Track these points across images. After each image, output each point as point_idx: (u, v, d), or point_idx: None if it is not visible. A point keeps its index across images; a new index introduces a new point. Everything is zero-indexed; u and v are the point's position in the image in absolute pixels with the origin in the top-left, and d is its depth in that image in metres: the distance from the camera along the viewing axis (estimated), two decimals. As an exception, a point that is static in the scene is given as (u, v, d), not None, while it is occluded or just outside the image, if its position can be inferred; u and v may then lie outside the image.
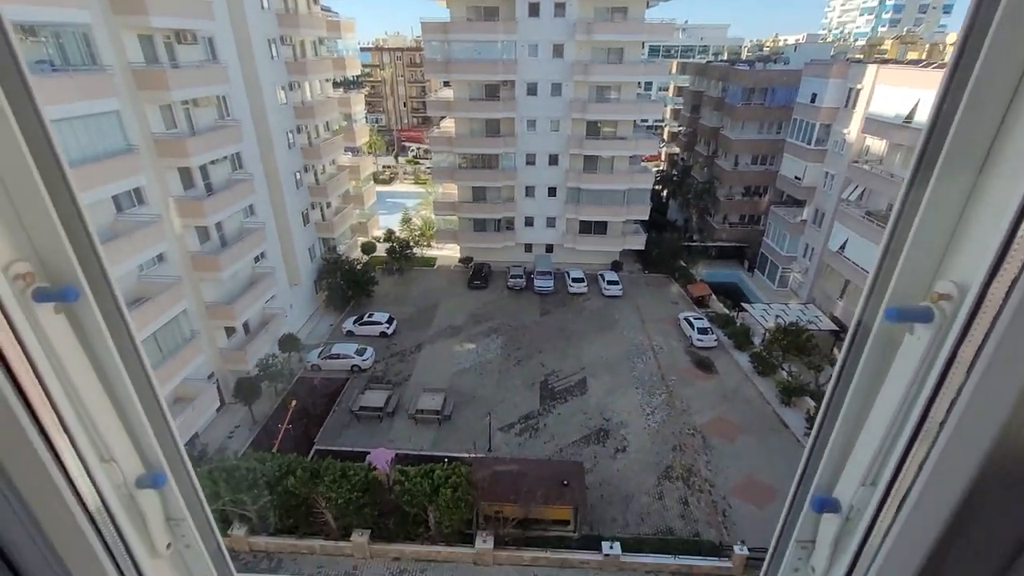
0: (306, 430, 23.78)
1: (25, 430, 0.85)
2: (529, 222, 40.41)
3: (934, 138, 0.83)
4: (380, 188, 52.69)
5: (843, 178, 32.26)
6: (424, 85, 74.84)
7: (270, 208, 29.55)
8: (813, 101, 34.74)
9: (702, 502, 20.42)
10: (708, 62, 55.01)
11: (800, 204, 36.98)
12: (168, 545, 1.21)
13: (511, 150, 37.60)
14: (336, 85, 39.69)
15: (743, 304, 34.42)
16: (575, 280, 37.19)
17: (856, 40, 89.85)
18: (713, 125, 45.62)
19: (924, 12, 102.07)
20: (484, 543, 18.15)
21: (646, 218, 39.71)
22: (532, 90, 36.42)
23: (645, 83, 50.90)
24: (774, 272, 38.73)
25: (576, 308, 35.14)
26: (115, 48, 19.13)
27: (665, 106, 58.18)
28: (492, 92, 36.73)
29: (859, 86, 31.26)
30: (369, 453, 19.70)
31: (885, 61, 33.83)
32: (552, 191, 39.16)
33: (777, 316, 30.48)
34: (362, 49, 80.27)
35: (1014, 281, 0.69)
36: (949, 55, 0.84)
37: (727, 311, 34.05)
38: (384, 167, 69.91)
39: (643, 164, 41.09)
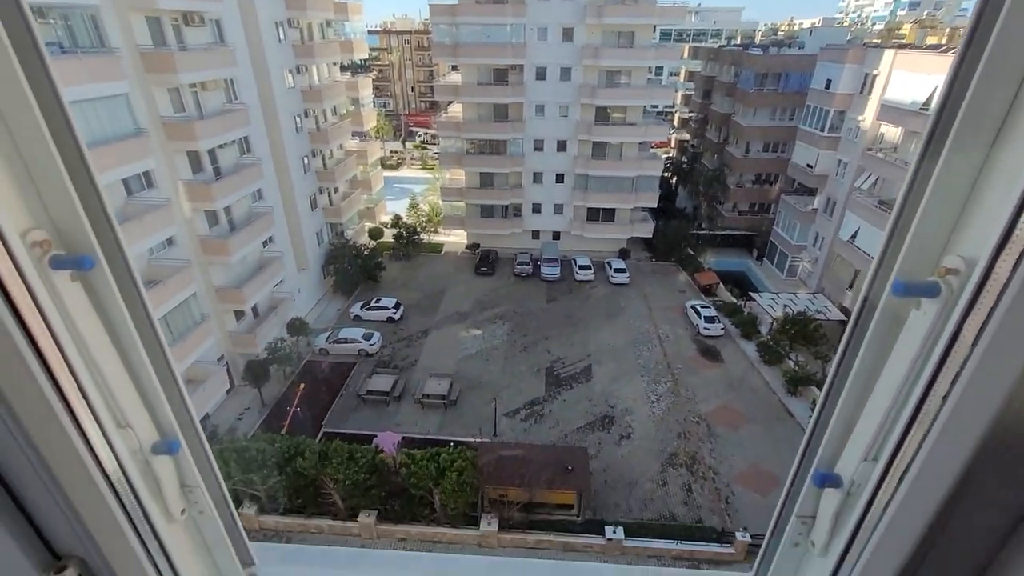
0: (314, 413, 24.11)
1: (45, 393, 0.88)
2: (537, 209, 40.22)
3: (946, 111, 0.82)
4: (387, 173, 52.59)
5: (856, 166, 31.74)
6: (432, 69, 74.16)
7: (278, 193, 29.62)
8: (828, 87, 34.04)
9: (705, 489, 20.55)
10: (721, 46, 53.97)
11: (811, 192, 36.48)
12: (183, 511, 1.24)
13: (519, 136, 37.29)
14: (343, 69, 39.42)
15: (751, 293, 34.22)
16: (582, 267, 37.10)
17: (874, 24, 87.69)
18: (724, 111, 44.91)
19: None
20: (489, 526, 18.44)
21: (655, 205, 39.40)
22: (541, 74, 35.98)
23: (656, 68, 50.14)
24: (783, 261, 38.39)
25: (583, 295, 35.11)
26: (123, 30, 19.10)
27: (676, 92, 57.26)
28: (501, 76, 36.33)
29: (875, 72, 30.58)
30: (376, 436, 19.97)
31: (903, 46, 33.04)
32: (560, 177, 38.88)
33: (785, 306, 30.29)
34: (369, 32, 79.50)
35: (1021, 255, 0.69)
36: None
37: (735, 300, 33.89)
38: (391, 152, 69.67)
39: (652, 151, 40.62)
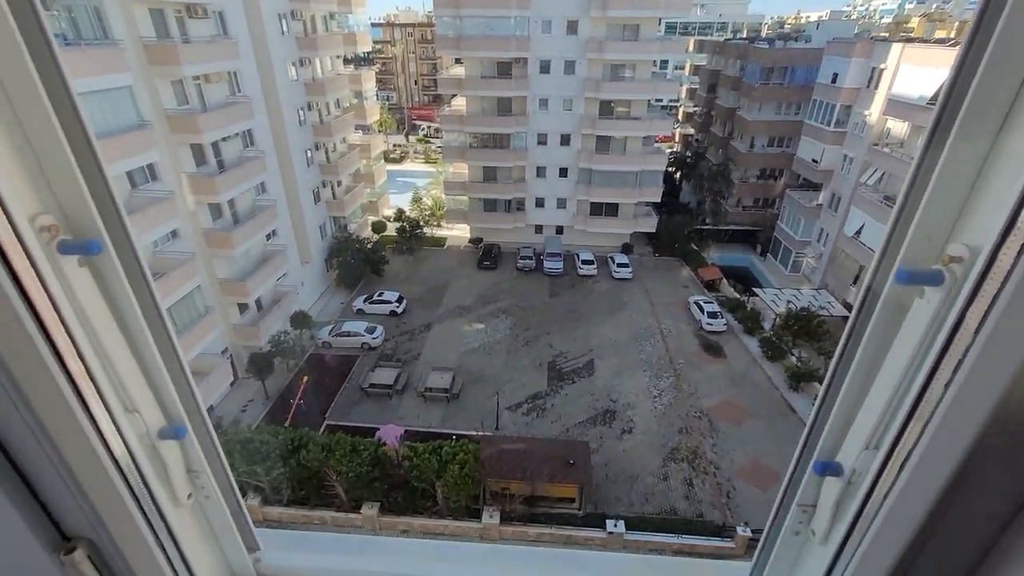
0: (317, 405, 24.24)
1: (55, 377, 0.89)
2: (540, 203, 40.13)
3: (952, 100, 0.81)
4: (391, 167, 52.55)
5: (862, 161, 31.52)
6: (435, 62, 73.80)
7: (281, 186, 29.64)
8: (834, 81, 33.75)
9: (706, 484, 20.61)
10: (726, 40, 53.55)
11: (816, 188, 36.27)
12: (189, 496, 1.26)
13: (523, 129, 37.15)
14: (347, 62, 39.29)
15: (754, 289, 34.13)
16: (585, 262, 37.04)
17: (882, 18, 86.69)
18: (729, 105, 44.60)
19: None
20: (490, 518, 18.55)
21: (658, 200, 39.23)
22: (545, 68, 35.78)
23: (661, 61, 49.68)
24: (787, 257, 38.24)
25: (585, 290, 35.09)
26: (127, 22, 19.06)
27: (681, 85, 56.84)
28: (504, 70, 36.15)
29: (883, 66, 30.28)
30: (379, 429, 20.08)
31: (911, 39, 32.72)
32: (563, 172, 38.75)
33: (788, 301, 30.22)
34: (373, 25, 79.17)
35: None
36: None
37: (738, 296, 33.80)
38: (395, 146, 69.55)
39: (657, 145, 40.39)
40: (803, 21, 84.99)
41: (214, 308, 23.58)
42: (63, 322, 0.90)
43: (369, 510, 18.68)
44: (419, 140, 74.24)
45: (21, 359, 0.86)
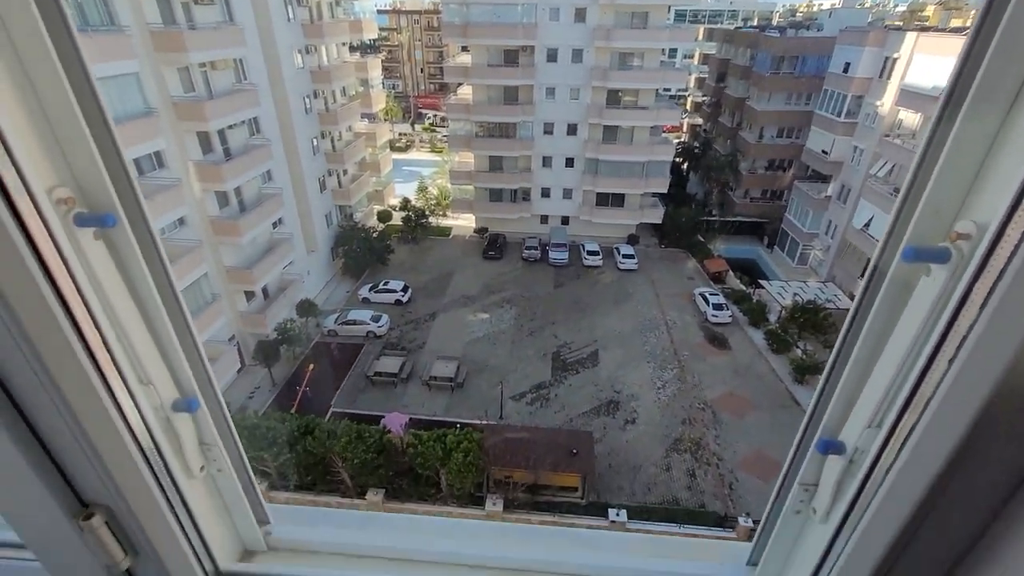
0: (323, 393, 24.47)
1: (74, 347, 0.92)
2: (545, 193, 39.96)
3: (963, 76, 0.81)
4: (396, 156, 52.40)
5: (872, 153, 31.14)
6: (442, 50, 73.23)
7: (287, 174, 29.66)
8: (846, 71, 33.24)
9: (709, 475, 20.69)
10: (737, 28, 52.77)
11: (825, 179, 35.89)
12: (202, 468, 1.29)
13: (529, 119, 36.90)
14: (353, 49, 39.04)
15: (760, 281, 33.96)
16: (590, 253, 36.94)
17: (896, 6, 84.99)
18: (739, 95, 44.05)
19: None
20: (494, 506, 18.73)
21: (665, 191, 38.95)
22: (552, 56, 35.41)
23: (669, 50, 49.19)
24: (794, 249, 37.98)
25: (590, 281, 35.04)
26: (133, 8, 19.02)
27: (689, 75, 56.16)
28: (511, 58, 35.82)
29: (896, 55, 29.77)
30: (384, 417, 20.26)
31: (926, 28, 32.13)
32: (570, 162, 38.52)
33: (795, 294, 30.05)
34: (379, 12, 78.57)
35: None
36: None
37: (744, 288, 33.64)
38: (400, 134, 69.28)
39: (664, 135, 40.05)
40: (815, 9, 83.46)
41: (221, 295, 23.76)
42: (80, 293, 0.92)
43: (374, 496, 18.90)
44: (425, 129, 73.91)
45: (41, 328, 0.88)
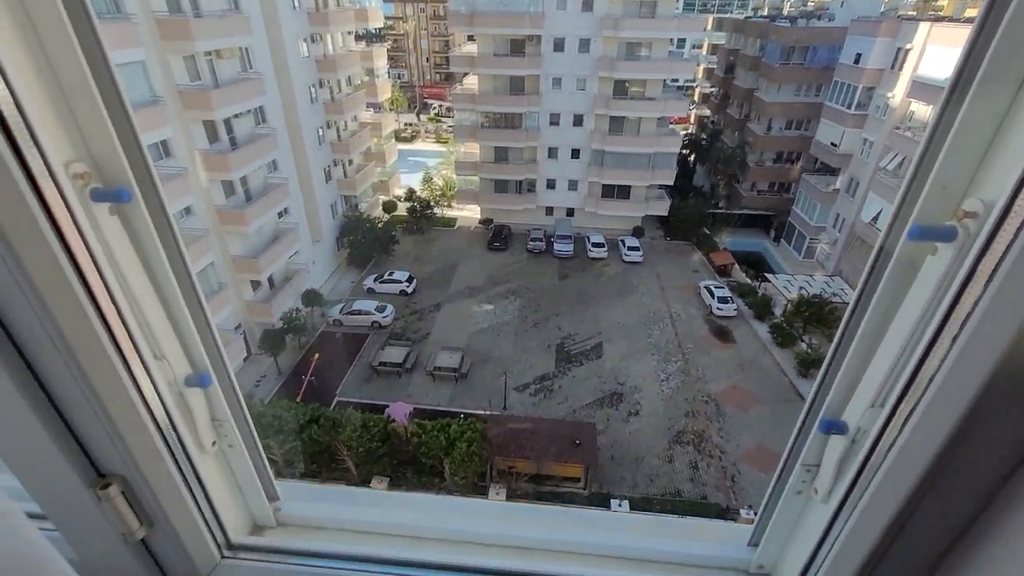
0: (328, 382, 24.65)
1: (91, 319, 0.94)
2: (551, 184, 39.78)
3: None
4: (402, 146, 52.27)
5: (882, 145, 30.76)
6: (448, 39, 72.68)
7: (293, 164, 29.67)
8: (857, 62, 32.75)
9: (711, 467, 20.76)
10: (747, 18, 52.00)
11: (834, 172, 35.52)
12: (213, 443, 1.32)
13: (535, 109, 36.65)
14: (358, 38, 38.83)
15: (766, 275, 33.79)
16: (595, 245, 36.82)
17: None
18: (747, 86, 43.54)
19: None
20: (497, 495, 18.90)
21: (671, 183, 38.68)
22: (559, 46, 35.08)
23: (678, 40, 48.54)
24: (801, 242, 37.72)
25: (595, 273, 34.98)
26: (139, -4, 18.97)
27: (698, 65, 55.46)
28: (517, 48, 35.52)
29: (909, 46, 29.30)
30: (388, 406, 20.41)
31: (940, 18, 31.56)
32: (575, 153, 38.29)
33: (801, 288, 29.91)
34: (384, 0, 77.91)
35: None
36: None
37: (749, 281, 33.50)
38: (406, 124, 69.05)
39: (671, 127, 39.67)
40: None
41: (227, 285, 23.91)
42: (97, 267, 0.94)
43: (379, 484, 19.11)
44: (430, 119, 73.59)
45: (61, 300, 0.90)
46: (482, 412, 21.46)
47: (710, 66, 56.62)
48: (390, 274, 32.40)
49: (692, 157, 50.87)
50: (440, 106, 73.87)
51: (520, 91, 36.28)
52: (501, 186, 39.58)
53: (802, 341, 27.34)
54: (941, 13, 35.94)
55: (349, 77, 35.50)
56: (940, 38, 27.36)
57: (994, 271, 0.74)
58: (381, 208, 40.93)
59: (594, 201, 38.91)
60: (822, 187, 35.43)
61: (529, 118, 37.12)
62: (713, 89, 53.62)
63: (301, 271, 29.05)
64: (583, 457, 19.17)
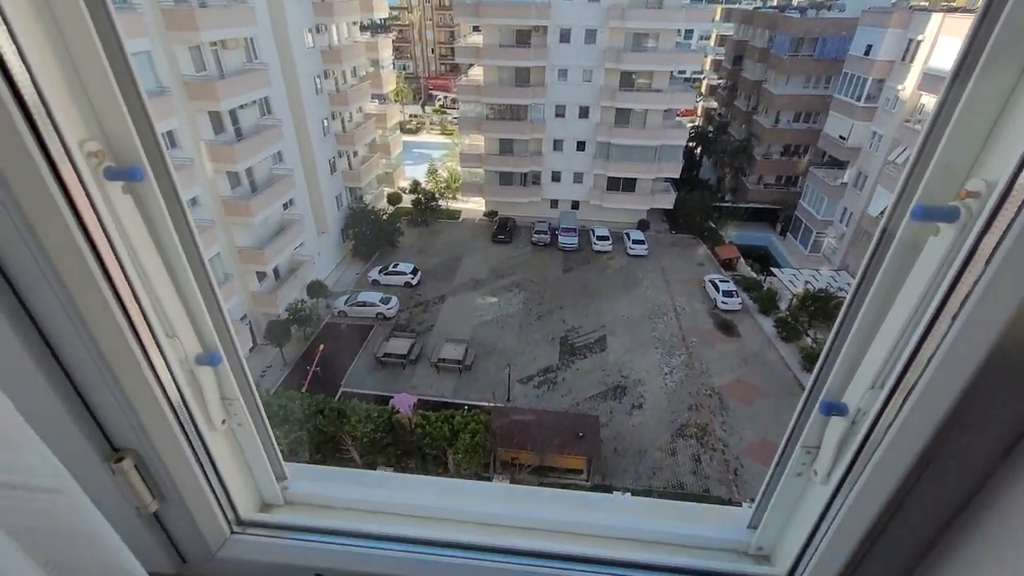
0: (333, 373, 24.82)
1: (105, 295, 0.96)
2: (556, 177, 39.62)
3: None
4: (406, 138, 52.12)
5: (891, 139, 30.44)
6: (453, 30, 72.20)
7: (298, 155, 29.70)
8: (867, 53, 32.32)
9: (714, 460, 20.81)
10: (756, 8, 51.32)
11: (842, 166, 35.20)
12: (223, 421, 1.35)
13: (540, 101, 36.43)
14: (363, 29, 38.67)
15: (772, 269, 33.62)
16: (600, 238, 36.72)
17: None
18: (755, 78, 43.10)
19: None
20: (500, 485, 19.03)
21: (677, 176, 38.42)
22: (565, 37, 34.78)
23: (685, 31, 48.05)
24: (807, 236, 37.47)
25: (600, 266, 34.92)
26: (144, -15, 18.96)
27: (705, 57, 54.91)
28: (523, 38, 35.25)
29: (920, 37, 28.87)
30: (393, 397, 20.53)
31: (953, 9, 31.02)
32: (581, 145, 38.08)
33: (806, 282, 29.75)
34: (390, -9, 77.32)
35: None
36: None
37: (755, 275, 33.34)
38: (411, 116, 68.84)
39: (678, 119, 39.34)
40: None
41: (233, 275, 24.06)
42: (111, 245, 0.96)
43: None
44: (435, 111, 73.30)
45: (77, 277, 0.92)
46: (486, 404, 21.56)
47: (718, 58, 56.04)
48: (395, 266, 32.48)
49: (698, 150, 50.47)
50: (445, 97, 73.54)
51: (526, 82, 36.06)
52: (506, 178, 39.47)
53: (807, 336, 27.25)
54: (954, 4, 35.33)
55: (354, 68, 35.40)
56: (953, 29, 26.94)
57: (994, 250, 0.74)
58: (386, 200, 40.93)
59: (599, 194, 38.74)
60: (830, 181, 35.12)
61: (534, 110, 36.92)
62: (720, 81, 53.10)
63: (306, 262, 29.17)
64: (586, 449, 19.26)
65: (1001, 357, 0.77)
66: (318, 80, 31.07)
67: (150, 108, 1.00)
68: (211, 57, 22.33)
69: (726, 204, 42.11)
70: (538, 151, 38.42)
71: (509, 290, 31.91)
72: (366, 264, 34.39)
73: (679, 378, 25.07)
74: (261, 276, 26.61)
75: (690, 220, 38.72)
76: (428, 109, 74.62)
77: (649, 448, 21.22)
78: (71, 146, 0.87)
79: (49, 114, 0.84)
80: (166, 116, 19.65)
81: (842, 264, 33.80)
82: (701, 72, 57.96)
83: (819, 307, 27.06)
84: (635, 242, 36.25)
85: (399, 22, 78.89)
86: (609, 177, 37.95)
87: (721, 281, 31.46)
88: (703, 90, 58.63)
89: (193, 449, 1.22)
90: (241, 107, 23.95)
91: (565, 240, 36.49)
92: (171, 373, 1.14)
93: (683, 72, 42.07)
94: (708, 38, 60.28)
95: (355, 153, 36.04)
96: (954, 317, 0.81)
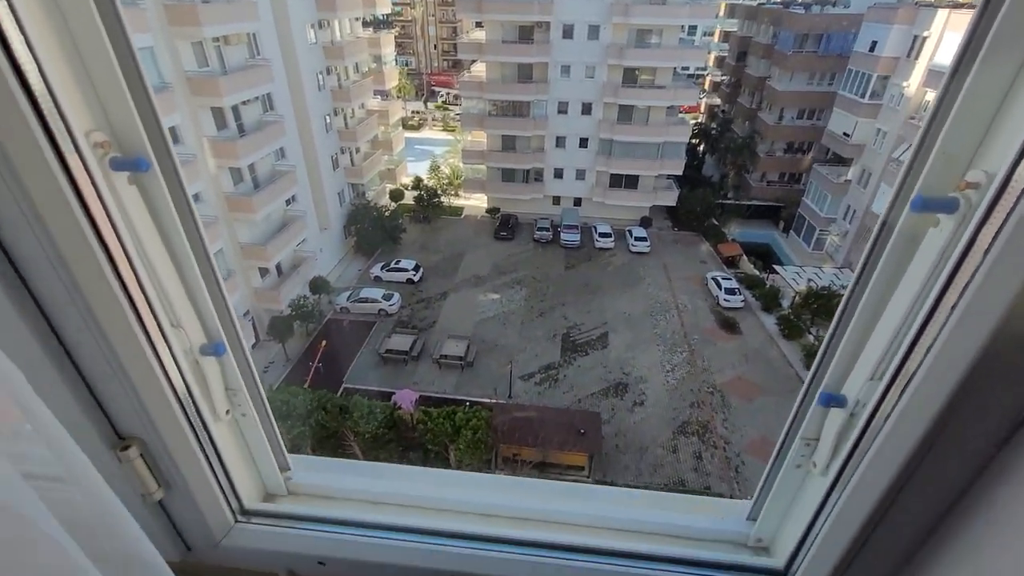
0: (335, 369, 24.89)
1: (112, 285, 0.97)
2: (558, 174, 39.54)
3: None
4: (409, 134, 52.05)
5: (896, 136, 30.28)
6: (456, 26, 71.98)
7: (300, 151, 29.71)
8: (872, 49, 32.12)
9: (716, 457, 20.83)
10: (760, 4, 51.01)
11: (845, 163, 35.04)
12: (227, 411, 1.36)
13: (543, 97, 36.33)
14: (366, 24, 38.58)
15: (774, 266, 33.54)
16: (602, 235, 36.67)
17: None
18: (759, 75, 42.88)
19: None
20: (501, 481, 19.08)
21: (680, 173, 38.30)
22: (568, 32, 34.65)
23: (689, 27, 47.71)
24: (810, 234, 37.34)
25: (602, 263, 34.89)
26: (147, -19, 18.96)
27: (709, 53, 54.59)
28: (526, 34, 35.14)
29: (926, 33, 28.68)
30: (395, 393, 20.59)
31: (959, 5, 30.78)
32: (583, 142, 37.98)
33: (809, 280, 29.67)
34: (392, -14, 77.07)
35: None
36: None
37: (757, 272, 33.27)
38: (413, 112, 68.70)
39: (681, 115, 39.20)
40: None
41: (236, 271, 24.12)
42: (118, 235, 0.97)
43: (385, 469, 19.35)
44: (438, 107, 73.16)
45: (84, 266, 0.93)
46: (488, 400, 21.61)
47: (721, 54, 55.75)
48: (397, 262, 32.51)
49: (701, 147, 50.30)
50: (448, 94, 73.34)
51: (528, 79, 35.96)
52: (508, 175, 39.40)
53: (809, 333, 27.20)
54: (960, 0, 35.06)
55: (356, 64, 35.34)
56: (958, 25, 26.75)
57: (993, 240, 0.75)
58: (388, 196, 40.92)
59: (602, 191, 38.66)
60: (833, 178, 34.98)
61: (537, 106, 36.83)
62: (724, 77, 52.88)
63: (309, 259, 29.22)
64: (587, 446, 19.29)
65: (999, 347, 0.77)
66: (320, 76, 31.05)
67: (155, 101, 1.01)
68: (214, 53, 22.33)
69: (729, 201, 42.01)
70: (540, 148, 38.35)
71: (511, 287, 31.91)
72: (368, 260, 34.42)
73: (681, 375, 25.07)
74: (264, 272, 26.68)
75: (693, 217, 38.63)
76: (430, 105, 74.47)
77: (650, 445, 21.25)
78: (78, 136, 0.88)
79: (56, 104, 0.85)
80: (169, 112, 19.68)
81: (845, 262, 33.69)
82: (704, 68, 57.68)
83: (821, 305, 27.00)
84: (637, 239, 36.19)
85: (402, 18, 78.67)
86: (612, 174, 37.86)
87: (723, 278, 31.41)
88: (706, 86, 58.36)
89: (198, 438, 1.24)
90: (244, 103, 23.95)
91: (567, 237, 36.46)
92: (176, 363, 1.15)
93: (686, 68, 41.84)
94: (712, 34, 59.93)
95: (357, 149, 36.03)
96: (953, 308, 0.81)
